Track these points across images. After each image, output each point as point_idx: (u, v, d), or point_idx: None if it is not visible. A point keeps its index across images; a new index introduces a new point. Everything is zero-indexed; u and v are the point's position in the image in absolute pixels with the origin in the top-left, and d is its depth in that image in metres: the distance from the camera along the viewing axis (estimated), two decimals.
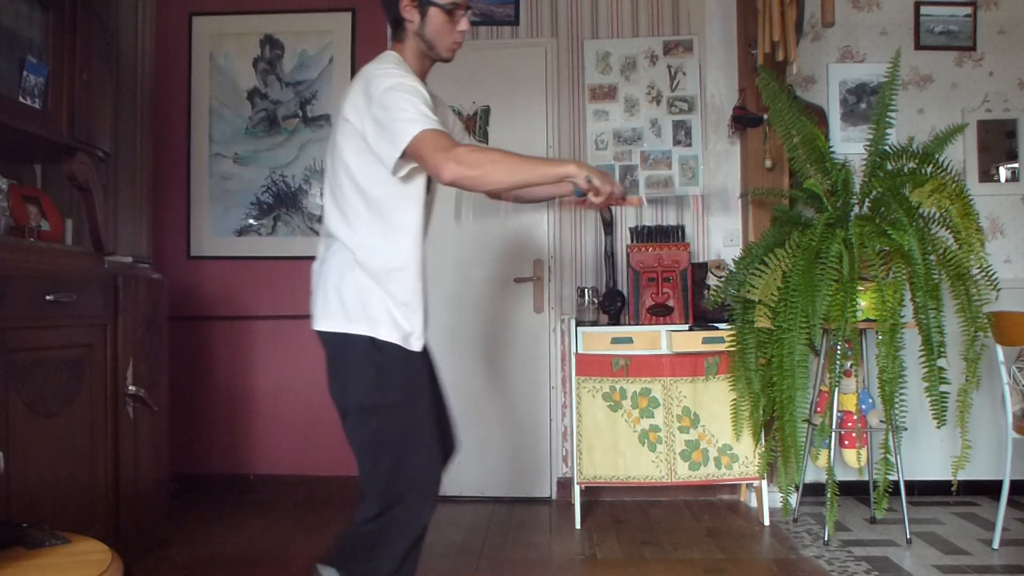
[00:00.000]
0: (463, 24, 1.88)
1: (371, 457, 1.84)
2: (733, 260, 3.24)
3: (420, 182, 1.85)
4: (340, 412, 1.92)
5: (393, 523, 1.80)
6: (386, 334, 1.81)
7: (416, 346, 1.87)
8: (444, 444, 1.95)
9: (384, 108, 1.74)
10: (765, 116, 3.30)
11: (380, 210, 1.82)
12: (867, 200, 3.00)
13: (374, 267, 1.82)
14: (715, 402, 3.20)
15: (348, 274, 1.82)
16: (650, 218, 3.67)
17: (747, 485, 3.44)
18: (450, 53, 1.94)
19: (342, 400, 1.91)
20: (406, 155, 1.71)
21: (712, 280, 3.42)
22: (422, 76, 1.94)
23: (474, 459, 3.63)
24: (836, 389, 2.99)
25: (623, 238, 3.60)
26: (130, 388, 2.56)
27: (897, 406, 2.73)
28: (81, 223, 2.84)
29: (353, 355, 1.85)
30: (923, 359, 2.72)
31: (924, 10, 3.64)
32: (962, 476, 2.87)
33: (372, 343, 1.81)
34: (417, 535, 1.83)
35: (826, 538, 2.88)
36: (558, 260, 3.66)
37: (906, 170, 2.95)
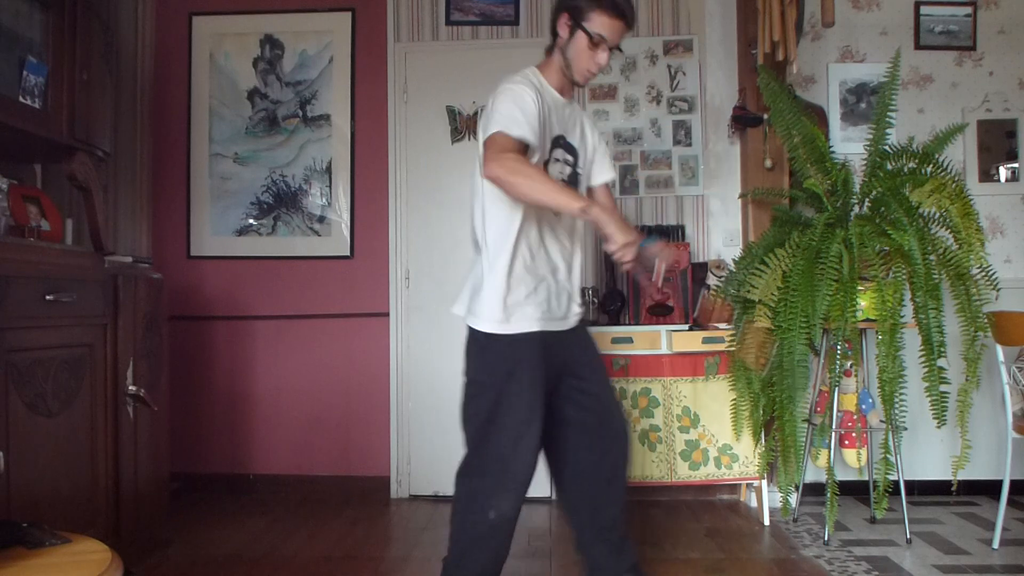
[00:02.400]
0: (602, 58, 2.05)
1: (462, 423, 2.07)
2: (733, 260, 3.24)
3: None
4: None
5: (466, 494, 2.02)
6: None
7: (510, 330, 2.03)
8: (603, 435, 2.12)
9: (489, 108, 2.01)
10: (765, 116, 3.30)
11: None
12: (867, 200, 3.00)
13: None
14: (715, 402, 3.20)
15: None
16: (650, 218, 3.67)
17: (747, 485, 3.44)
18: (582, 78, 2.10)
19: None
20: (486, 148, 1.96)
21: (712, 280, 3.42)
22: (561, 91, 2.12)
23: None
24: (836, 389, 2.99)
25: None
26: (130, 388, 2.56)
27: (897, 406, 2.73)
28: (81, 223, 2.85)
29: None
30: (923, 359, 2.72)
31: (924, 10, 3.64)
32: (962, 476, 2.86)
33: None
34: (490, 523, 1.98)
35: (826, 538, 2.88)
36: None
37: (906, 170, 2.95)
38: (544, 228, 2.09)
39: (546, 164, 2.08)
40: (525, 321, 2.02)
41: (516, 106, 1.95)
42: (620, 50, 2.11)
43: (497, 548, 2.05)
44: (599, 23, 2.01)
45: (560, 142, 2.12)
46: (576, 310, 2.19)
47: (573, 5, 2.04)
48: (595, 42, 2.03)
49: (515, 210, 2.02)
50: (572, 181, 2.15)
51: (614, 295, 3.40)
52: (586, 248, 3.64)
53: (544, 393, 2.04)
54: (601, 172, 2.27)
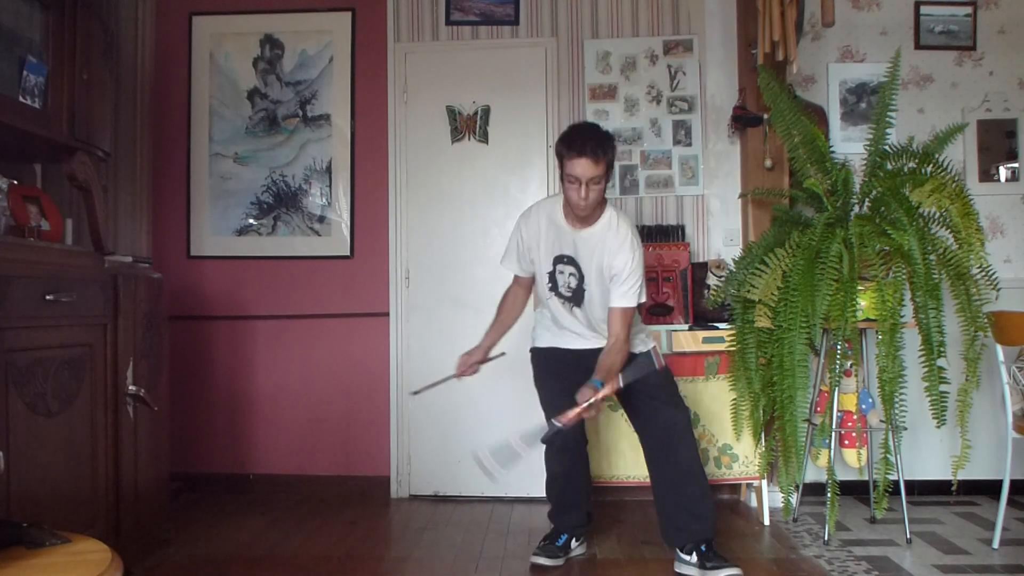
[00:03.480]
0: (581, 192, 2.49)
1: None
2: (733, 260, 3.24)
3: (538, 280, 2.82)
4: None
5: None
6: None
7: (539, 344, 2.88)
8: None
9: None
10: (765, 116, 3.30)
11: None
12: (867, 200, 3.00)
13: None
14: (715, 402, 3.20)
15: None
16: (650, 218, 3.67)
17: (747, 485, 3.44)
18: (577, 210, 2.57)
19: None
20: None
21: (712, 280, 3.42)
22: (570, 219, 2.65)
23: (474, 459, 3.63)
24: (836, 389, 2.98)
25: None
26: (130, 388, 2.56)
27: (897, 406, 2.73)
28: (81, 223, 2.84)
29: None
30: (923, 359, 2.72)
31: (924, 10, 3.64)
32: (962, 476, 2.86)
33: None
34: (550, 469, 2.82)
35: (826, 538, 2.88)
36: None
37: (906, 170, 2.95)
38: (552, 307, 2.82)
39: (551, 273, 2.71)
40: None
41: (511, 243, 2.80)
42: (605, 178, 2.52)
43: (559, 491, 2.81)
44: (569, 166, 2.48)
45: (563, 259, 2.68)
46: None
47: (557, 155, 2.56)
48: (569, 180, 2.50)
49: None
50: (578, 291, 2.69)
51: None
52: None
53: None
54: (614, 298, 2.63)
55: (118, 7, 3.34)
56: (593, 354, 2.62)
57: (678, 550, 2.59)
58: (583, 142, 2.46)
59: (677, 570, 2.58)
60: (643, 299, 2.66)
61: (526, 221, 2.74)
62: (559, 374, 2.72)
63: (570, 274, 2.68)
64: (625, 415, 2.84)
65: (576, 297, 2.71)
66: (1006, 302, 2.95)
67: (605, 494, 3.51)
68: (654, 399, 2.63)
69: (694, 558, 2.53)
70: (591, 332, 2.76)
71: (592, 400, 2.35)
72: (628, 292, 2.60)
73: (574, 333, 2.78)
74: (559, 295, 2.74)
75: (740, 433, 3.15)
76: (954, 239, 2.80)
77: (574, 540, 2.79)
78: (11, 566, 1.40)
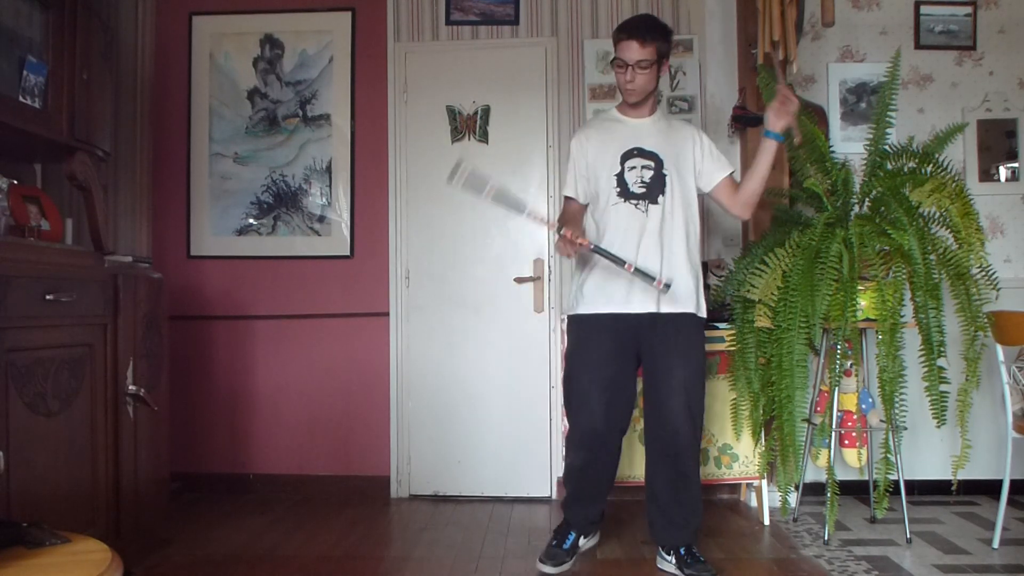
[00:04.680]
0: (626, 76, 2.51)
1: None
2: (733, 260, 3.24)
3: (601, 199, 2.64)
4: None
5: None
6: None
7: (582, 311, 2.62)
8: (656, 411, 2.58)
9: None
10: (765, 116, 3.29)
11: None
12: (867, 200, 3.00)
13: None
14: (715, 402, 3.19)
15: None
16: None
17: (747, 485, 3.44)
18: (627, 96, 2.58)
19: None
20: None
21: (712, 280, 3.42)
22: (629, 113, 2.65)
23: (474, 459, 3.63)
24: (836, 389, 2.98)
25: None
26: (130, 388, 2.56)
27: (897, 406, 2.73)
28: (81, 223, 2.85)
29: None
30: (923, 359, 2.72)
31: (924, 9, 3.64)
32: (962, 476, 2.86)
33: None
34: (569, 459, 2.68)
35: (826, 537, 2.88)
36: (558, 260, 3.66)
37: (906, 170, 2.95)
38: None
39: (620, 175, 2.56)
40: None
41: (567, 168, 2.72)
42: (654, 64, 2.50)
43: (575, 485, 2.68)
44: (618, 50, 2.51)
45: (633, 152, 2.57)
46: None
47: (614, 45, 2.54)
48: (618, 65, 2.52)
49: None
50: (656, 182, 2.55)
51: None
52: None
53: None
54: (713, 172, 2.63)
55: (118, 7, 3.34)
56: (659, 320, 2.50)
57: (660, 547, 2.63)
58: (632, 25, 2.50)
59: (659, 567, 2.62)
60: (733, 167, 2.69)
61: (582, 133, 2.68)
62: (607, 359, 2.55)
63: (643, 167, 2.55)
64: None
65: (653, 189, 2.54)
66: (1006, 302, 2.95)
67: None
68: (673, 397, 2.53)
69: (673, 560, 2.56)
70: (661, 255, 2.51)
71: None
72: (721, 159, 2.64)
73: (635, 276, 2.45)
74: (630, 196, 2.54)
75: (740, 433, 3.15)
76: (954, 239, 2.80)
77: (583, 538, 2.74)
78: (11, 566, 1.40)
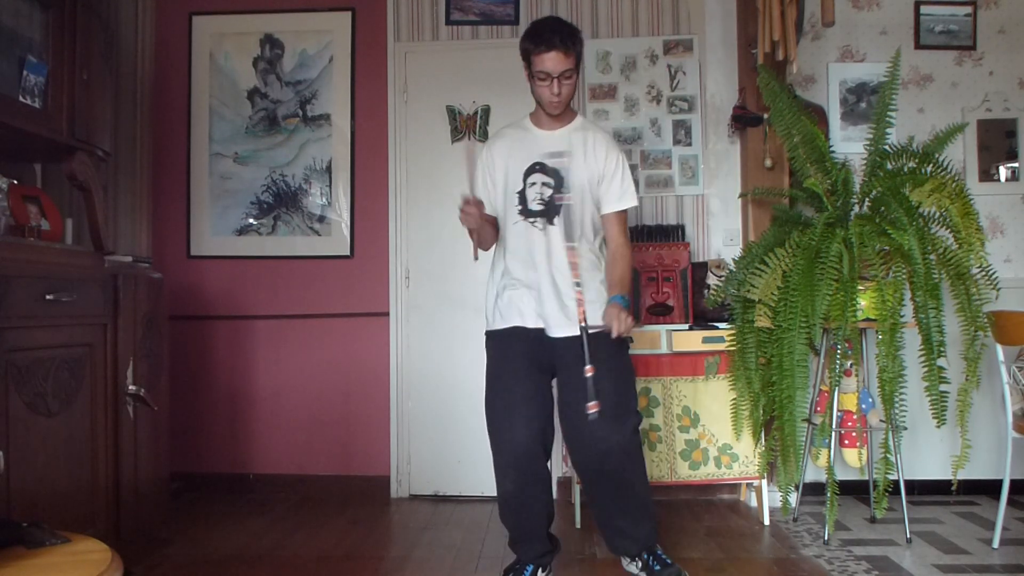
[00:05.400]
0: (554, 88, 2.37)
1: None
2: (733, 260, 3.24)
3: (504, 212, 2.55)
4: None
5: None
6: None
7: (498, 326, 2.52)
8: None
9: None
10: (765, 116, 3.30)
11: None
12: (867, 199, 3.00)
13: None
14: (715, 402, 3.20)
15: None
16: (650, 218, 3.67)
17: (747, 485, 3.44)
18: (552, 109, 2.44)
19: None
20: None
21: (712, 280, 3.42)
22: (543, 124, 2.52)
23: (474, 459, 3.63)
24: (836, 388, 2.99)
25: None
26: (130, 387, 2.56)
27: (897, 406, 2.73)
28: (81, 223, 2.85)
29: None
30: (923, 359, 2.72)
31: (924, 9, 3.64)
32: (962, 475, 2.86)
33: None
34: (501, 489, 2.45)
35: (826, 537, 2.88)
36: None
37: (906, 169, 2.95)
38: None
39: (521, 192, 2.44)
40: None
41: (478, 171, 2.53)
42: (575, 72, 2.38)
43: (514, 518, 2.46)
44: (538, 62, 2.36)
45: (535, 168, 2.45)
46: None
47: (522, 54, 2.41)
48: (539, 78, 2.38)
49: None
50: (552, 201, 2.42)
51: None
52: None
53: None
54: (610, 201, 2.48)
55: (118, 7, 3.34)
56: (562, 344, 2.36)
57: (623, 557, 2.51)
58: (551, 35, 2.32)
59: (626, 568, 2.52)
60: (635, 202, 2.50)
61: (493, 140, 2.58)
62: (524, 374, 2.40)
63: (543, 184, 2.42)
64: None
65: (549, 210, 2.42)
66: (1006, 302, 2.95)
67: None
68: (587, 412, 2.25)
69: (638, 565, 2.47)
70: (555, 277, 2.40)
71: (625, 318, 2.23)
72: (625, 191, 2.46)
73: (537, 291, 2.42)
74: (528, 214, 2.43)
75: (740, 433, 3.15)
76: (954, 239, 2.80)
77: (540, 570, 2.47)
78: (11, 566, 1.40)
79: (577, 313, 2.30)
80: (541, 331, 2.42)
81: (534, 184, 2.44)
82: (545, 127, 2.50)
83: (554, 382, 2.49)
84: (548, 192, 2.42)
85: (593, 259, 2.49)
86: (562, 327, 2.39)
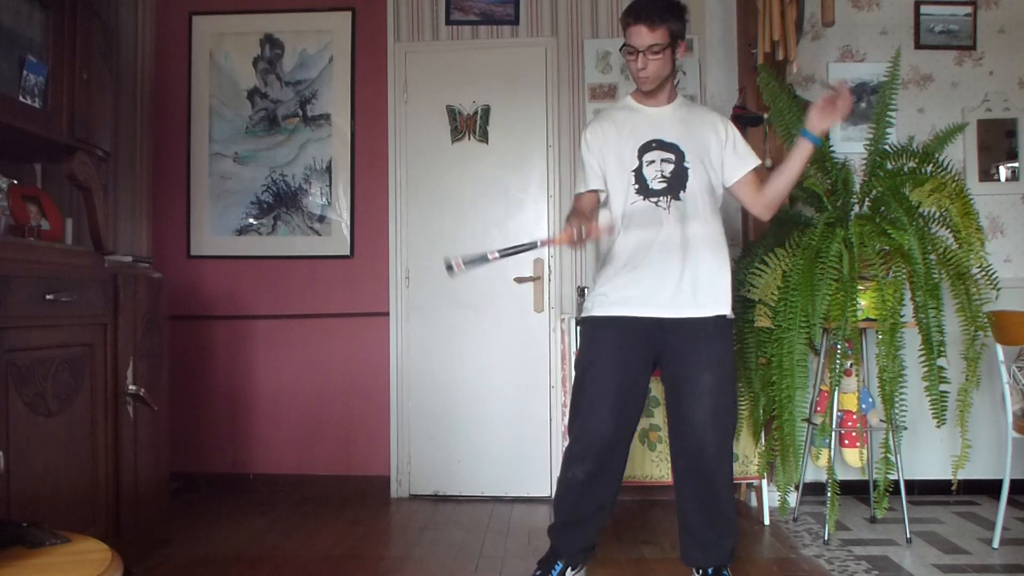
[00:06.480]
0: (638, 63, 2.33)
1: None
2: (733, 260, 3.23)
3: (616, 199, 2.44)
4: None
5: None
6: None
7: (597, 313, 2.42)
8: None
9: None
10: (765, 115, 3.30)
11: None
12: (867, 199, 3.00)
13: None
14: None
15: None
16: None
17: (747, 484, 3.44)
18: (642, 85, 2.39)
19: None
20: None
21: None
22: (644, 102, 2.45)
23: (474, 459, 3.64)
24: (836, 388, 2.98)
25: None
26: (130, 387, 2.56)
27: (897, 405, 2.73)
28: (81, 223, 2.84)
29: None
30: (923, 358, 2.72)
31: (924, 9, 3.64)
32: (962, 475, 2.87)
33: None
34: (568, 473, 2.36)
35: (826, 537, 2.88)
36: (558, 260, 3.66)
37: (906, 169, 2.95)
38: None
39: (638, 169, 2.36)
40: None
41: (579, 167, 2.49)
42: (667, 48, 2.31)
43: (573, 504, 2.39)
44: (627, 36, 2.32)
45: (651, 145, 2.37)
46: None
47: (623, 28, 2.35)
48: (628, 52, 2.33)
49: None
50: (677, 173, 2.36)
51: None
52: (586, 247, 3.67)
53: None
54: (735, 166, 2.44)
55: (118, 7, 3.34)
56: (682, 325, 2.30)
57: (694, 569, 2.43)
58: (639, 7, 2.27)
59: None
60: (759, 160, 2.45)
61: (591, 130, 2.44)
62: (622, 364, 2.33)
63: (662, 160, 2.35)
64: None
65: (674, 183, 2.34)
66: (1006, 302, 2.95)
67: None
68: (697, 407, 2.30)
69: None
70: (685, 255, 2.32)
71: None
72: (746, 151, 2.43)
73: (659, 275, 2.32)
74: (650, 192, 2.33)
75: (740, 433, 3.15)
76: (954, 239, 2.80)
77: (570, 569, 2.43)
78: (11, 566, 1.40)
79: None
80: (649, 320, 2.32)
81: (652, 162, 2.35)
82: (647, 103, 2.43)
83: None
84: (669, 167, 2.34)
85: (716, 237, 2.40)
86: (682, 307, 2.32)
